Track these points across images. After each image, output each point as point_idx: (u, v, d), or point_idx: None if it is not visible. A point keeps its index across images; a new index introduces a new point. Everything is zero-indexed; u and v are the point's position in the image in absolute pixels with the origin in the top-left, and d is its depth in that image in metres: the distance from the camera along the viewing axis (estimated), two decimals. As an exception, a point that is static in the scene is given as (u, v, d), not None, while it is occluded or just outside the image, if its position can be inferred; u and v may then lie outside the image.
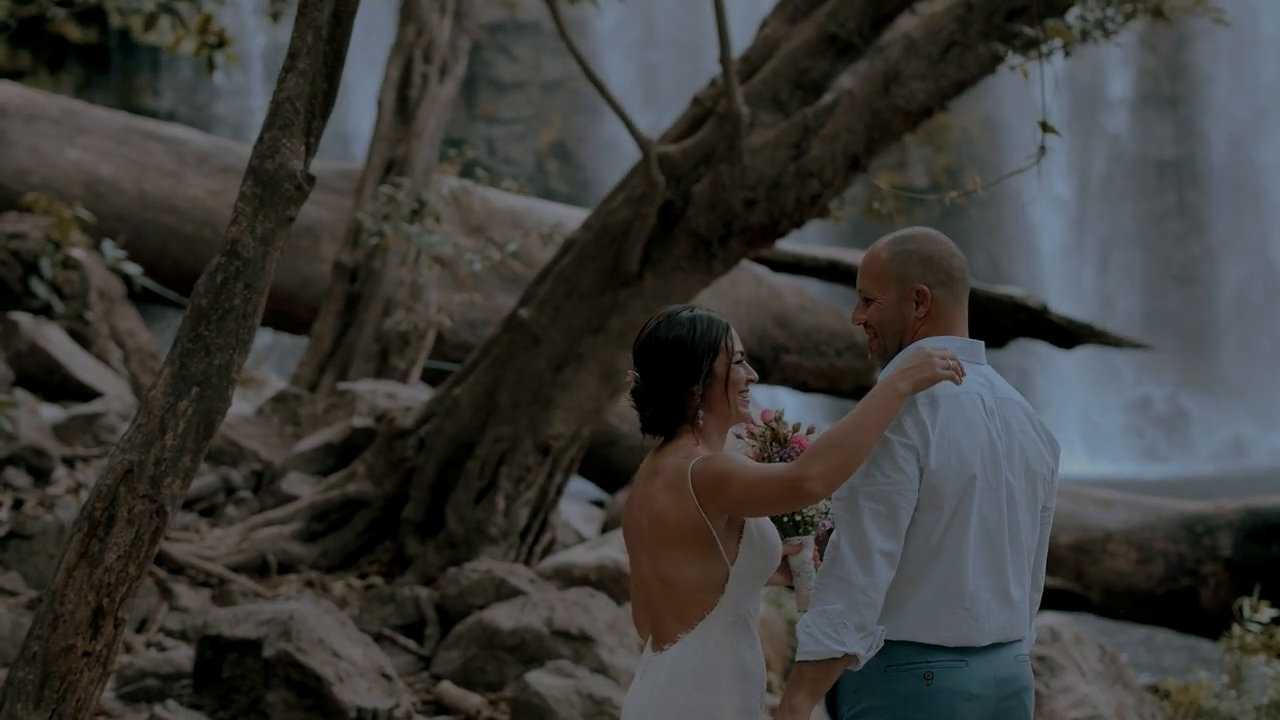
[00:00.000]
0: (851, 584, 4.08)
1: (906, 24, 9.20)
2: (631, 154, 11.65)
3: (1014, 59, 7.96)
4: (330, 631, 7.49)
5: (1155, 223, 28.42)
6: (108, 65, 25.53)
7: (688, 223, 8.69)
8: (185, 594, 8.55)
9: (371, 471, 9.12)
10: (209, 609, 8.35)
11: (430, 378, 12.60)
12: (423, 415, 9.11)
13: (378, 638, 8.25)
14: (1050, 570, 11.94)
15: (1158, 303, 28.29)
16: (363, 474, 9.14)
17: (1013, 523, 4.25)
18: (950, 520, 4.17)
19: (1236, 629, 9.05)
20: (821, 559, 4.27)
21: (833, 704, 4.27)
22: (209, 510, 9.69)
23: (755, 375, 4.36)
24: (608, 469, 12.63)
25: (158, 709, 7.21)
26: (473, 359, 9.14)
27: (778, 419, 4.37)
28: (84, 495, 9.14)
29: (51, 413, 10.78)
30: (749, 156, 8.54)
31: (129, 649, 8.02)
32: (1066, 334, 13.79)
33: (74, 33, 24.72)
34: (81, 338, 12.17)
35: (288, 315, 13.69)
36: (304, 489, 9.53)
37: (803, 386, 13.83)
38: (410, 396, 10.46)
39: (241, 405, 11.35)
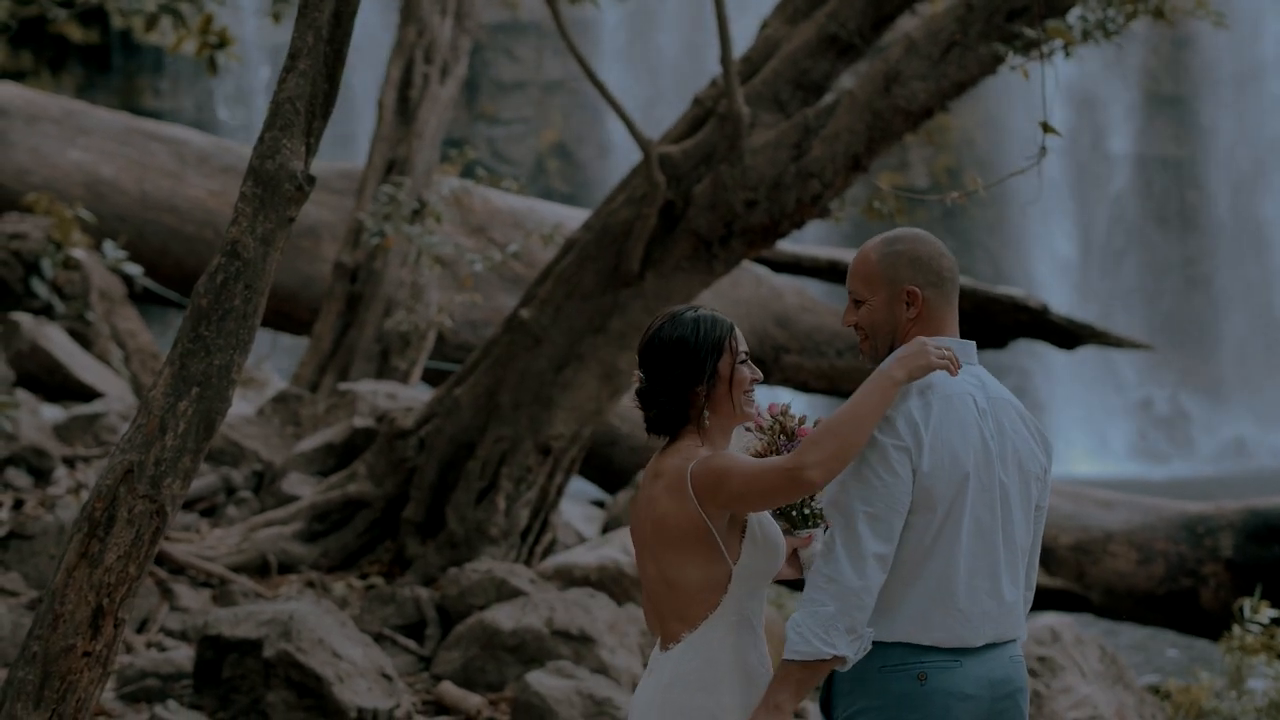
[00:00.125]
0: (845, 586, 4.09)
1: (907, 24, 9.19)
2: (632, 154, 11.65)
3: (1014, 59, 7.96)
4: (331, 632, 7.49)
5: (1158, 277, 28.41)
6: (109, 66, 25.54)
7: (689, 223, 8.70)
8: (186, 594, 8.55)
9: (372, 472, 9.12)
10: (209, 609, 8.35)
11: (431, 378, 12.60)
12: (423, 415, 9.11)
13: (378, 638, 8.25)
14: (1051, 571, 11.94)
15: (1158, 306, 28.29)
16: (363, 474, 9.14)
17: (1006, 522, 4.25)
18: (943, 521, 4.17)
19: (1237, 630, 9.04)
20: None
21: (828, 705, 4.28)
22: (210, 510, 9.69)
23: (760, 375, 4.35)
24: (608, 469, 12.63)
25: (158, 709, 7.22)
26: (473, 359, 9.14)
27: (784, 412, 4.37)
28: (84, 495, 9.15)
29: (52, 413, 10.78)
30: (750, 157, 8.54)
31: (129, 649, 8.02)
32: (1068, 335, 13.78)
33: (75, 33, 24.73)
34: (82, 338, 12.18)
35: (288, 315, 13.69)
36: (305, 489, 9.53)
37: (803, 387, 13.82)
38: (411, 397, 10.46)
39: (242, 405, 11.35)
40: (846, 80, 9.29)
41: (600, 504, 12.45)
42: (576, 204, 20.92)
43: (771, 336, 13.54)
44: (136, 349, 12.57)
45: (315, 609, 7.60)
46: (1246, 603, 9.22)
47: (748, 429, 4.37)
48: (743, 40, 9.14)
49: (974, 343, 4.34)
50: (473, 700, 7.86)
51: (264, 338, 15.22)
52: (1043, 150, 7.40)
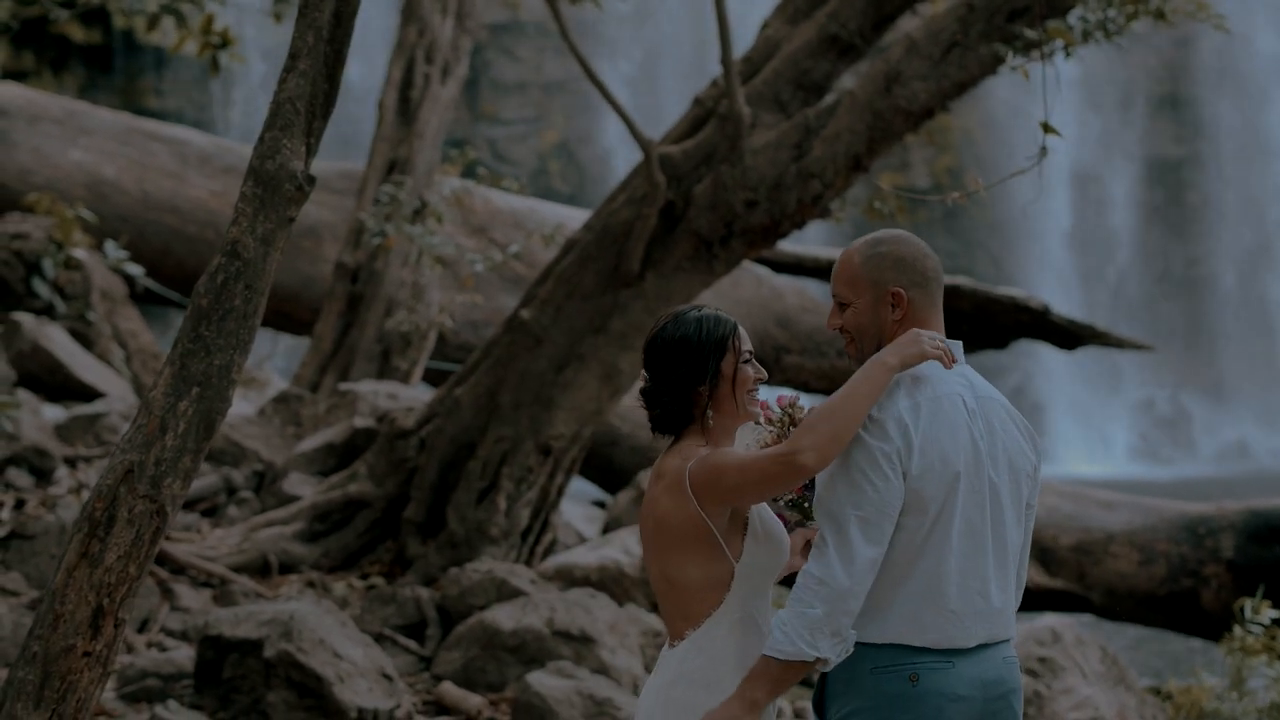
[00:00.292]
0: (835, 589, 4.09)
1: (908, 25, 9.19)
2: (633, 155, 11.65)
3: (1015, 60, 7.96)
4: (331, 632, 7.49)
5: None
6: (111, 66, 25.53)
7: (689, 223, 8.70)
8: (186, 594, 8.55)
9: (373, 472, 9.12)
10: (210, 609, 8.35)
11: (432, 378, 12.60)
12: (424, 416, 9.11)
13: (379, 638, 8.24)
14: (1051, 571, 11.93)
15: (1159, 306, 28.28)
16: (364, 474, 9.14)
17: (997, 522, 4.25)
18: (934, 522, 4.18)
19: (1238, 630, 9.04)
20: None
21: (820, 706, 4.28)
22: (210, 510, 9.69)
23: (764, 374, 4.34)
24: (609, 469, 12.62)
25: (159, 709, 7.22)
26: (474, 359, 9.15)
27: (793, 404, 4.37)
28: (85, 495, 9.14)
29: (53, 413, 10.79)
30: (750, 157, 8.54)
31: (130, 649, 8.02)
32: (1068, 335, 13.79)
33: (77, 34, 24.74)
34: (84, 338, 12.18)
35: (289, 316, 13.70)
36: (305, 489, 9.53)
37: (804, 387, 13.82)
38: (412, 397, 10.46)
39: (243, 405, 11.35)
40: (847, 80, 9.28)
41: (601, 504, 12.45)
42: (577, 204, 20.90)
43: (772, 337, 13.54)
44: (138, 349, 12.58)
45: (316, 609, 7.60)
46: (1248, 603, 9.22)
47: (758, 422, 4.37)
48: (743, 40, 9.15)
49: (960, 343, 4.35)
50: (473, 700, 7.86)
51: (265, 338, 15.24)
52: (1043, 150, 7.41)
